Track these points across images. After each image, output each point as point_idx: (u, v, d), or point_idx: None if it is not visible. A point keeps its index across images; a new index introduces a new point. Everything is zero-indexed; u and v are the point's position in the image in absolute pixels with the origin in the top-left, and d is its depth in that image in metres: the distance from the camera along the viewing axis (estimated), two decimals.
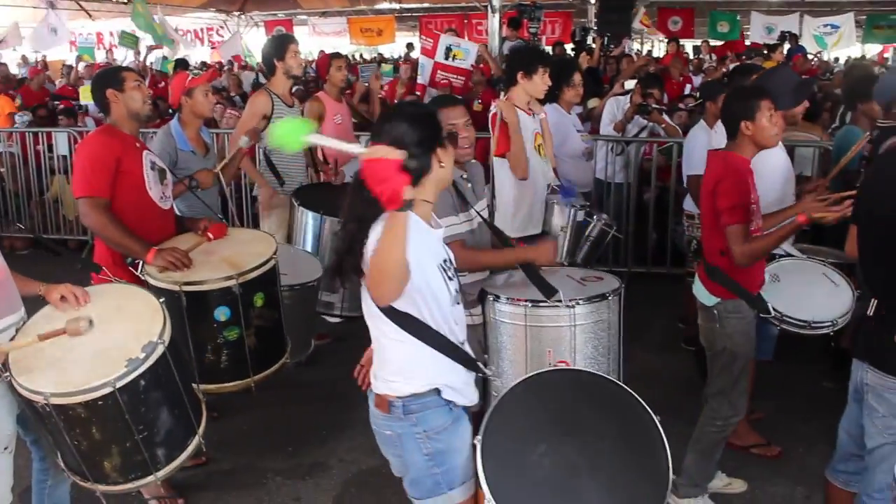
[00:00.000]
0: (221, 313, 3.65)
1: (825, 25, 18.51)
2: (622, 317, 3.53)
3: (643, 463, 2.54)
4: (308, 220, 5.29)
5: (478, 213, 3.52)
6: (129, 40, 15.90)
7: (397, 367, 2.52)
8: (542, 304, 3.27)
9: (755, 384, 4.64)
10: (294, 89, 6.12)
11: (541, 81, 4.64)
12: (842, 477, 3.17)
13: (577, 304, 3.27)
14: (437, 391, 2.51)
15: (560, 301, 3.24)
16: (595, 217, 5.46)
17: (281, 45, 5.43)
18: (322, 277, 4.80)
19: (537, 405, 2.67)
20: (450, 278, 2.53)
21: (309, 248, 5.35)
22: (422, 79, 10.40)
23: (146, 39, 15.61)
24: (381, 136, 2.39)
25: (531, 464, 2.50)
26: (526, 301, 3.28)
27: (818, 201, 3.67)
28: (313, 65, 14.58)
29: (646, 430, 2.59)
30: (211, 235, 3.88)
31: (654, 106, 6.61)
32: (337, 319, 5.41)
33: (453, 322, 2.55)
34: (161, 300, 2.95)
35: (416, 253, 2.29)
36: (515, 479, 2.47)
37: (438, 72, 10.36)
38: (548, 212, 4.69)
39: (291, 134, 2.15)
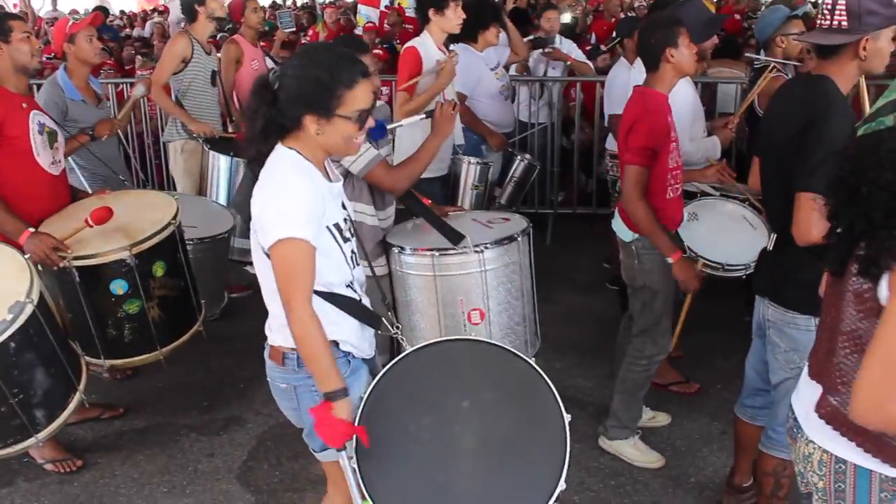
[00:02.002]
0: (118, 286, 3.49)
1: None
2: (532, 257, 3.46)
3: (536, 459, 2.31)
4: (220, 165, 5.12)
5: (384, 157, 3.40)
6: None
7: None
8: (449, 251, 3.17)
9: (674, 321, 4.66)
10: (219, 36, 5.93)
11: (454, 15, 4.47)
12: (749, 412, 3.19)
13: (486, 248, 3.18)
14: (335, 343, 2.39)
15: (468, 247, 3.15)
16: (518, 157, 5.43)
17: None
18: (238, 225, 4.66)
19: (438, 373, 2.47)
20: (345, 239, 2.41)
21: (222, 195, 5.20)
22: (360, 30, 10.13)
23: None
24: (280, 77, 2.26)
25: (411, 434, 2.34)
26: (432, 250, 3.18)
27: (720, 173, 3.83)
28: None
29: (550, 423, 2.33)
30: (91, 222, 3.43)
31: (541, 37, 6.48)
32: None
33: (352, 282, 2.46)
34: (26, 256, 2.76)
35: (315, 219, 2.24)
36: (389, 444, 2.32)
37: (386, 22, 10.16)
38: (456, 169, 4.60)
39: None
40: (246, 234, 4.99)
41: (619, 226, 3.63)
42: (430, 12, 4.49)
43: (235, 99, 5.87)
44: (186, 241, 4.25)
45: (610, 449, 3.79)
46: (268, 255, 2.27)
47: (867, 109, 2.91)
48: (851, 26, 2.55)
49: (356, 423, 2.32)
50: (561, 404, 2.32)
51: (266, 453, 3.95)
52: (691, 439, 3.95)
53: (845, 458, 1.91)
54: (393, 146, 3.96)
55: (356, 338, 2.47)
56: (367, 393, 2.39)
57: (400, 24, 9.58)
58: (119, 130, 4.51)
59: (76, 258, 3.35)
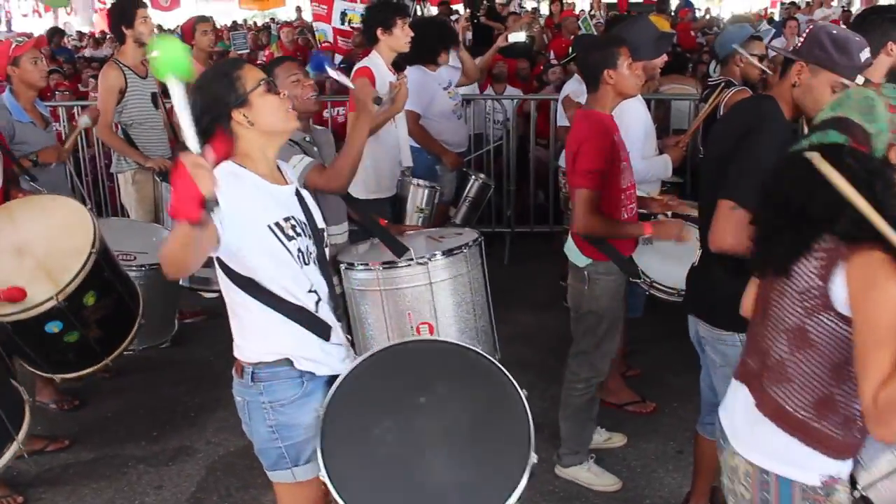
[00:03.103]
0: (53, 327, 3.48)
1: None
2: (485, 271, 3.43)
3: (503, 438, 2.38)
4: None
5: (318, 162, 3.37)
6: None
7: (247, 331, 2.41)
8: (394, 264, 3.14)
9: (630, 341, 4.65)
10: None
11: (402, 34, 4.46)
12: (709, 428, 3.14)
13: (430, 259, 3.14)
14: (289, 362, 2.38)
15: (411, 258, 3.12)
16: (473, 176, 5.40)
17: (127, 10, 5.02)
18: None
19: (392, 376, 2.51)
20: (289, 237, 2.37)
21: None
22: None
23: None
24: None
25: (376, 437, 2.35)
26: (378, 264, 3.14)
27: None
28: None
29: (510, 407, 2.42)
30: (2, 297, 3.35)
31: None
32: (213, 294, 5.18)
33: (304, 284, 2.40)
34: None
35: (241, 214, 2.19)
36: (357, 453, 2.34)
37: (339, 38, 10.11)
38: (403, 191, 4.56)
39: (175, 60, 1.91)
40: (206, 263, 4.97)
41: (572, 250, 3.57)
42: (378, 32, 4.47)
43: None
44: (136, 268, 4.20)
45: (566, 476, 3.74)
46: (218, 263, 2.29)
47: None
48: (801, 49, 2.60)
49: (318, 443, 2.32)
50: (515, 382, 2.39)
51: (216, 484, 3.85)
52: (647, 460, 3.93)
53: (769, 469, 1.98)
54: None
55: (319, 352, 2.44)
56: (324, 407, 2.38)
57: (363, 44, 9.53)
58: (66, 159, 4.41)
59: (2, 316, 3.35)
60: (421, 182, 4.57)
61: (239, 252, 2.25)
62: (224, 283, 2.36)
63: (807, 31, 2.64)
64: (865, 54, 2.58)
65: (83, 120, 4.54)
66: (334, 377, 2.46)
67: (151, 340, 4.43)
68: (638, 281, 3.74)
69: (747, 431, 2.06)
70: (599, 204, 3.31)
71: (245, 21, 21.98)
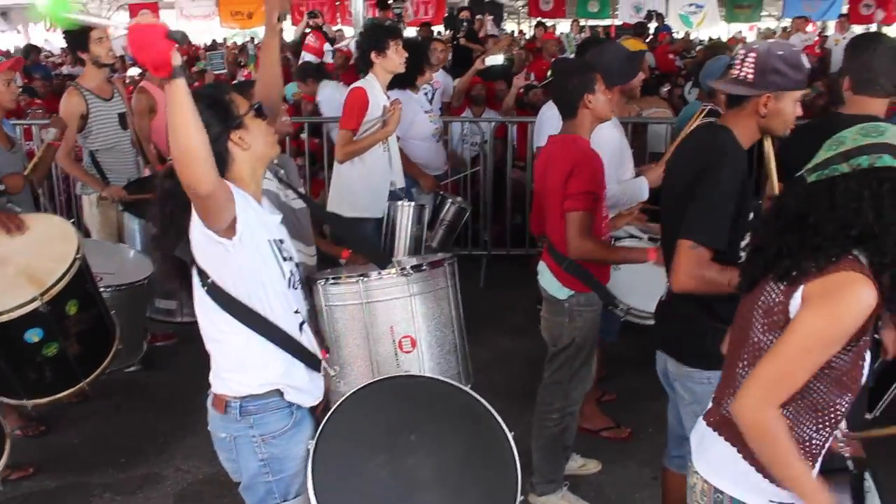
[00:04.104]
0: (33, 335, 3.41)
1: (690, 5, 18.90)
2: (459, 291, 3.38)
3: (491, 477, 2.42)
4: (135, 227, 4.98)
5: (300, 194, 3.34)
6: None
7: (234, 363, 2.37)
8: (376, 275, 3.11)
9: (605, 366, 4.61)
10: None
11: (396, 56, 4.52)
12: (676, 461, 3.10)
13: (413, 271, 3.13)
14: (279, 392, 2.36)
15: (394, 268, 3.11)
16: (449, 200, 5.37)
17: (80, 32, 4.87)
18: (158, 283, 4.52)
19: (382, 411, 2.53)
20: (285, 259, 2.39)
21: (140, 245, 5.05)
22: None
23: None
24: None
25: (367, 474, 2.36)
26: (360, 276, 3.11)
27: None
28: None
29: (496, 443, 2.47)
30: None
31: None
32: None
33: (291, 306, 2.40)
34: None
35: (244, 218, 2.20)
36: (348, 489, 2.33)
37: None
38: (393, 212, 4.54)
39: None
40: (168, 295, 4.91)
41: (550, 282, 3.51)
42: (373, 55, 4.51)
43: (152, 146, 5.63)
44: (103, 289, 4.13)
45: None
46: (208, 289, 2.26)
47: (772, 169, 2.90)
48: (755, 81, 2.55)
49: (308, 475, 2.33)
50: (502, 422, 2.45)
51: None
52: (622, 486, 3.89)
53: (723, 489, 2.00)
54: None
55: (304, 381, 2.44)
56: (315, 441, 2.38)
57: (345, 66, 9.52)
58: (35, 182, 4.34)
59: None
60: (406, 202, 4.55)
61: (247, 269, 2.26)
62: (212, 313, 2.32)
63: (750, 59, 2.56)
64: (805, 59, 2.59)
65: (49, 133, 4.45)
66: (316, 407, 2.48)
67: (119, 363, 4.34)
68: (615, 309, 3.71)
69: (707, 451, 2.08)
70: (591, 226, 3.29)
71: (226, 40, 21.93)
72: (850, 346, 1.80)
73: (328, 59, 9.99)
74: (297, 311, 2.42)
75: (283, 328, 2.35)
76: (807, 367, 1.78)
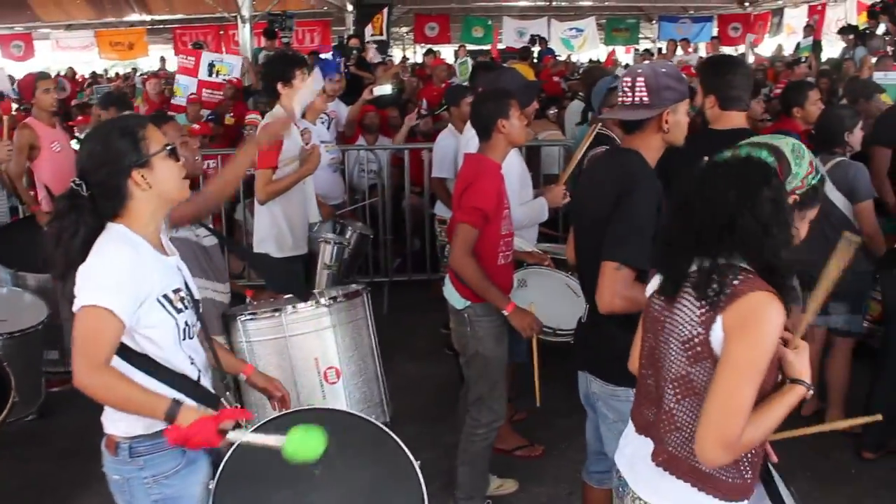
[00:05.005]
0: None
1: (570, 29, 19.59)
2: (375, 323, 3.43)
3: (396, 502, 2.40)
4: (6, 277, 4.79)
5: (212, 231, 3.30)
6: None
7: None
8: (298, 307, 3.10)
9: (515, 386, 4.67)
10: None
11: (302, 85, 4.48)
12: (595, 477, 3.17)
13: (335, 301, 3.13)
14: None
15: (316, 298, 3.09)
16: (350, 228, 5.37)
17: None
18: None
19: None
20: (179, 310, 2.29)
21: None
22: (183, 99, 9.89)
23: None
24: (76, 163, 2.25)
25: None
26: (281, 309, 3.07)
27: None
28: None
29: (403, 473, 2.43)
30: None
31: None
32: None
33: (186, 357, 2.33)
34: None
35: (132, 289, 2.14)
36: None
37: (204, 90, 9.97)
38: (314, 247, 4.55)
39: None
40: (51, 344, 4.72)
41: (451, 293, 3.61)
42: (279, 86, 4.46)
43: (42, 186, 5.44)
44: None
45: None
46: None
47: None
48: (653, 101, 2.68)
49: None
50: (407, 451, 2.41)
51: None
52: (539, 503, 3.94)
53: None
54: None
55: None
56: (217, 478, 2.31)
57: (236, 97, 9.40)
58: None
59: None
60: (329, 237, 4.54)
61: (137, 325, 2.18)
62: None
63: (640, 84, 2.68)
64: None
65: None
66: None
67: (15, 413, 4.15)
68: None
69: (649, 476, 2.09)
70: (476, 243, 3.35)
71: (106, 71, 21.31)
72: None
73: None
74: (192, 363, 2.36)
75: (175, 369, 2.29)
76: (751, 393, 1.83)
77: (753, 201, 1.84)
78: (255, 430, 2.35)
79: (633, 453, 2.15)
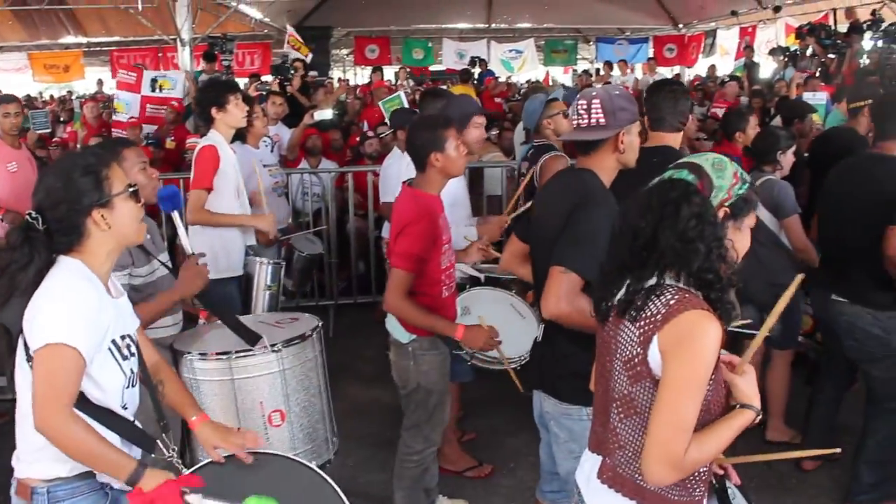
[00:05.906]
0: None
1: (510, 51, 19.84)
2: (325, 353, 3.34)
3: None
4: None
5: (162, 263, 3.27)
6: None
7: (43, 442, 2.09)
8: (248, 353, 3.01)
9: (462, 406, 4.70)
10: None
11: (236, 109, 4.48)
12: (549, 496, 3.19)
13: (284, 346, 3.04)
14: (91, 474, 2.19)
15: (266, 346, 3.02)
16: (297, 251, 5.35)
17: None
18: None
19: (218, 490, 2.27)
20: (124, 357, 2.25)
21: None
22: (125, 115, 9.75)
23: None
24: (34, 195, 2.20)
25: None
26: (229, 353, 3.00)
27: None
28: None
29: None
30: None
31: None
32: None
33: (122, 401, 2.27)
34: None
35: (95, 331, 2.13)
36: None
37: (148, 105, 9.83)
38: (250, 269, 4.49)
39: None
40: None
41: (395, 326, 3.51)
42: (213, 111, 4.45)
43: None
44: None
45: None
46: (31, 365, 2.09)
47: None
48: (609, 122, 2.76)
49: None
50: (343, 497, 2.29)
51: None
52: None
53: None
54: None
55: None
56: None
57: (177, 121, 9.29)
58: None
59: None
60: (265, 259, 4.49)
61: (89, 367, 2.12)
62: (22, 387, 2.14)
63: (595, 106, 2.76)
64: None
65: None
66: None
67: None
68: (460, 353, 3.75)
69: (599, 493, 2.10)
70: (418, 284, 3.30)
71: (41, 94, 20.89)
72: (712, 375, 1.91)
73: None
74: (124, 408, 2.28)
75: (108, 408, 2.22)
76: (693, 411, 1.86)
77: (674, 219, 1.90)
78: (196, 472, 2.29)
79: (590, 469, 2.17)
